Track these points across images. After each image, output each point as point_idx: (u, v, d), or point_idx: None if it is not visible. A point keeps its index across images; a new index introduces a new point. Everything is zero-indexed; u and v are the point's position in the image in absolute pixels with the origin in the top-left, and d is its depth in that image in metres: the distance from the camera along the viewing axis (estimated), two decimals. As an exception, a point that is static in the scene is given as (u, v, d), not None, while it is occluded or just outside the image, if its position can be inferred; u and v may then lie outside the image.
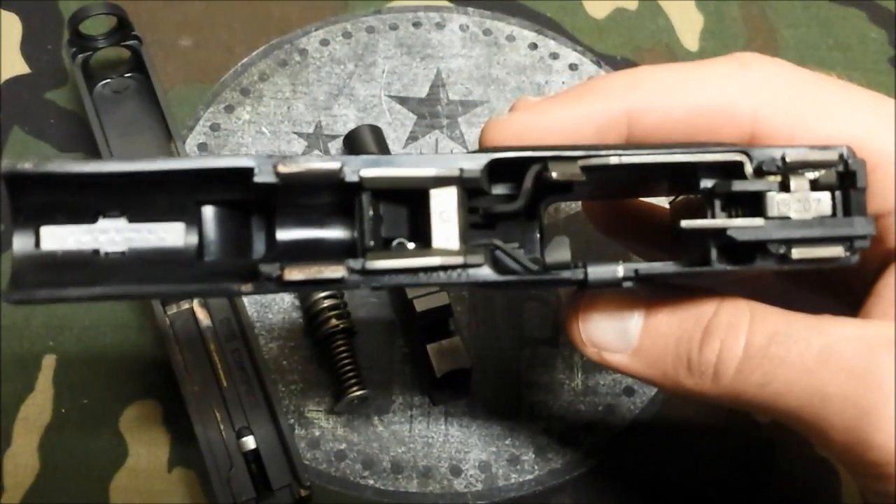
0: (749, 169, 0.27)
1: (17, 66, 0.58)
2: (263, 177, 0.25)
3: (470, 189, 0.27)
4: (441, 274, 0.26)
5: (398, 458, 0.47)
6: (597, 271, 0.28)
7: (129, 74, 0.55)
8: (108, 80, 0.55)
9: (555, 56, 0.60)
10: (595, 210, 0.41)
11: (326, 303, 0.48)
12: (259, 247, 0.28)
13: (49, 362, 0.48)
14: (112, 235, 0.26)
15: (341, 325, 0.47)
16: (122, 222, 0.26)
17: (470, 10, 0.62)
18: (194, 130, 0.56)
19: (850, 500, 0.46)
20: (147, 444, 0.47)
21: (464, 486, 0.47)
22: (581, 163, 0.27)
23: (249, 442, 0.44)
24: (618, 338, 0.30)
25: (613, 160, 0.27)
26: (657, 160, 0.28)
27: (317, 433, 0.47)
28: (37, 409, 0.47)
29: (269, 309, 0.50)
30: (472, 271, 0.26)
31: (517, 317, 0.51)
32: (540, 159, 0.27)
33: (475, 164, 0.27)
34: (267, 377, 0.46)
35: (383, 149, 0.53)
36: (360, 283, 0.26)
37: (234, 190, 0.26)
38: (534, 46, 0.61)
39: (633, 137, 0.31)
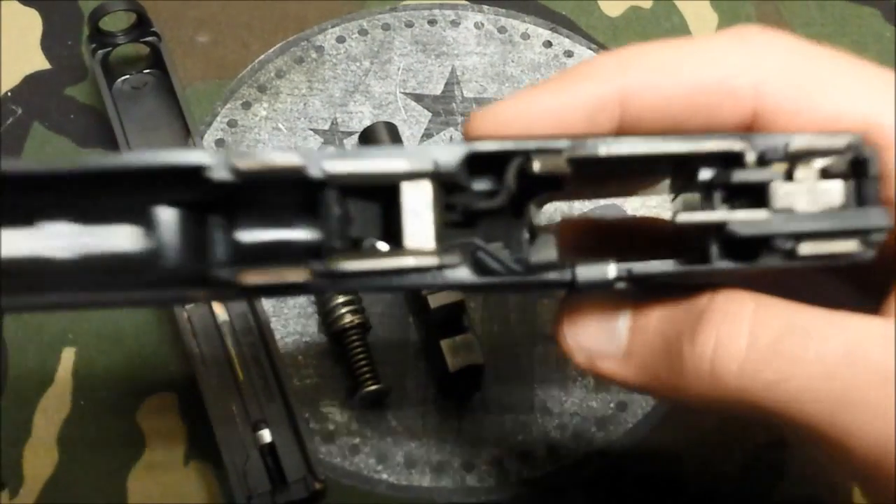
0: (751, 158, 0.25)
1: (37, 61, 0.58)
2: (218, 173, 0.23)
3: (448, 184, 0.25)
4: (415, 276, 0.24)
5: (411, 453, 0.47)
6: (586, 272, 0.25)
7: (147, 70, 0.56)
8: (128, 76, 0.55)
9: (569, 54, 0.60)
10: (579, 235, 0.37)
11: (341, 298, 0.48)
12: (220, 250, 0.25)
13: (68, 355, 0.49)
14: (58, 241, 0.23)
15: (356, 321, 0.48)
16: (69, 226, 0.23)
17: (485, 7, 0.62)
18: (212, 126, 0.57)
19: None
20: (164, 437, 0.47)
21: (476, 481, 0.47)
22: (567, 154, 0.25)
23: (265, 435, 0.45)
24: (607, 340, 0.28)
25: (602, 151, 0.25)
26: (649, 150, 0.25)
27: (331, 427, 0.48)
28: (56, 401, 0.48)
29: (285, 304, 0.51)
30: (448, 273, 0.24)
31: (530, 313, 0.51)
32: (522, 151, 0.25)
33: (451, 156, 0.24)
34: (282, 371, 0.46)
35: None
36: (327, 287, 0.24)
37: (189, 189, 0.24)
38: (548, 44, 0.61)
39: (627, 121, 0.28)
